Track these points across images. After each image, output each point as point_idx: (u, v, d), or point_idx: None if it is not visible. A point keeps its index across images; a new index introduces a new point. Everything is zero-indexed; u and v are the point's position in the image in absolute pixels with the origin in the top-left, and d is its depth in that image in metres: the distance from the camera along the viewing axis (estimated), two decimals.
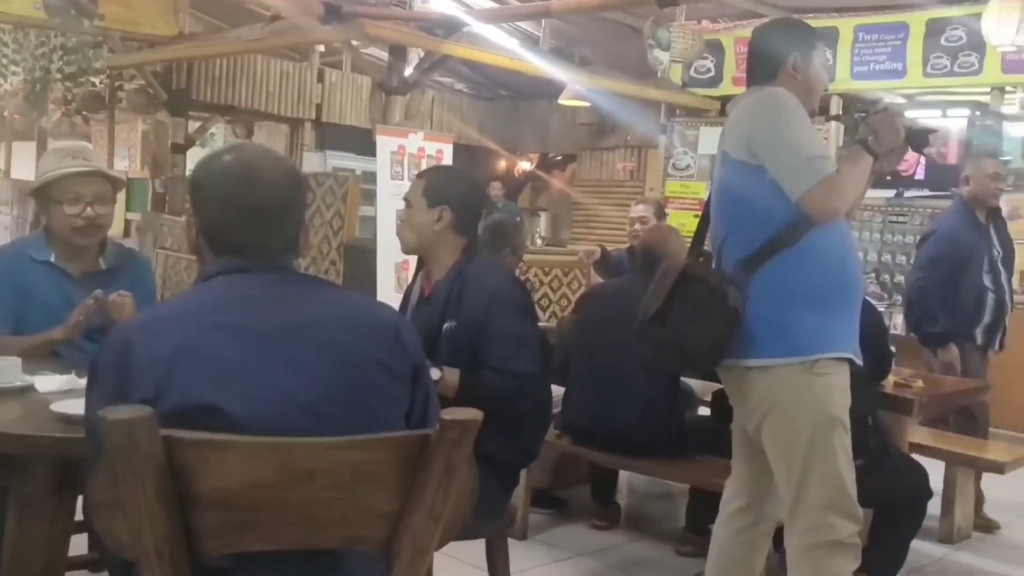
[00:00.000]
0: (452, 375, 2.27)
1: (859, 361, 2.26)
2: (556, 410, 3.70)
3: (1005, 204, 6.10)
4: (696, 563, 2.69)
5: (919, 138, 2.26)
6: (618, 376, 3.36)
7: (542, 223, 10.76)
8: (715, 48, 7.62)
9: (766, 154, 2.19)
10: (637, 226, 4.47)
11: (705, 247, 2.42)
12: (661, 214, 4.76)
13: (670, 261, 2.40)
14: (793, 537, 2.25)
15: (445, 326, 2.36)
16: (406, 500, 1.37)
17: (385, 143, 5.87)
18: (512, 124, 10.04)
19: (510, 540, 3.48)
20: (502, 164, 10.74)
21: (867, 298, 3.08)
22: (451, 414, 1.35)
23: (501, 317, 2.32)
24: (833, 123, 6.75)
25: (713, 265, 2.35)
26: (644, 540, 3.79)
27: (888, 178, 6.13)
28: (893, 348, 3.28)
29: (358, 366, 1.46)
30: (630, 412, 3.34)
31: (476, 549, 2.47)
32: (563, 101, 7.80)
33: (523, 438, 2.45)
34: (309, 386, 1.41)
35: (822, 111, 6.64)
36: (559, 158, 10.81)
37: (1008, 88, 6.31)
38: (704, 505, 3.27)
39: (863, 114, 2.26)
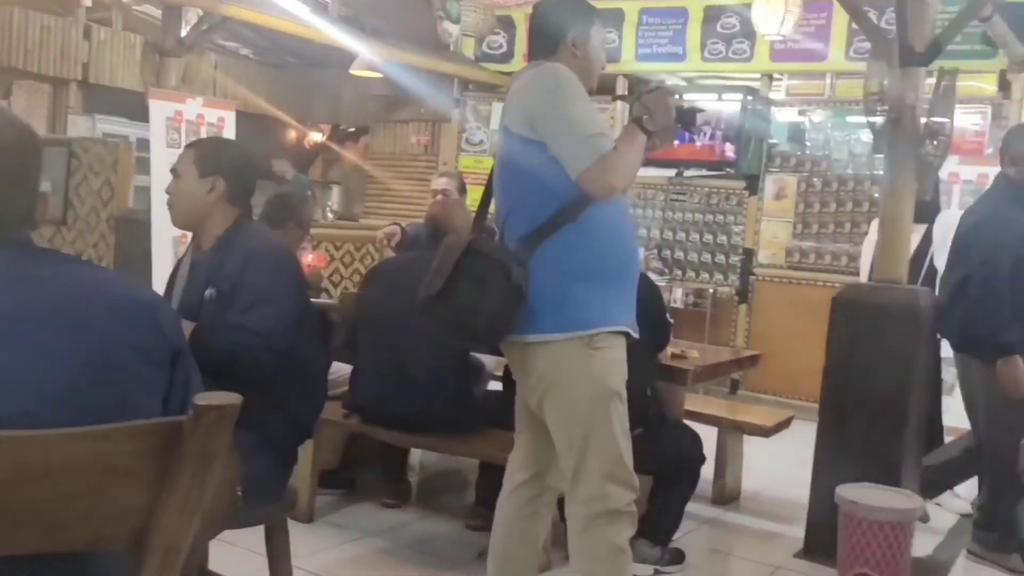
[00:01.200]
0: (187, 327, 2.14)
1: (636, 334, 2.31)
2: (344, 389, 3.61)
3: (772, 184, 6.57)
4: (486, 537, 2.71)
5: (687, 117, 2.35)
6: (407, 353, 3.30)
7: (334, 196, 10.49)
8: (506, 24, 7.68)
9: (547, 130, 2.19)
10: (439, 198, 4.42)
11: (489, 222, 2.40)
12: (463, 188, 4.72)
13: (453, 237, 2.36)
14: (574, 507, 2.29)
15: (206, 293, 2.26)
16: (158, 493, 1.25)
17: (159, 108, 5.48)
18: (302, 93, 9.69)
19: (296, 524, 3.39)
20: (291, 135, 10.37)
21: (645, 272, 3.19)
22: (206, 399, 1.23)
23: (252, 276, 2.24)
24: (619, 103, 6.98)
25: (497, 240, 2.33)
26: (435, 516, 3.78)
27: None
28: (672, 320, 3.42)
29: (109, 351, 1.32)
30: (420, 389, 3.29)
31: (256, 535, 2.36)
32: (355, 71, 7.60)
33: (295, 413, 2.36)
34: (55, 375, 1.25)
35: (607, 91, 6.88)
36: (352, 130, 10.56)
37: (776, 75, 6.74)
38: (494, 479, 3.27)
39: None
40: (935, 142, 3.63)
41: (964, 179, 5.56)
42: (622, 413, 2.26)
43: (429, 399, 3.29)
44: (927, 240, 4.41)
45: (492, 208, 2.43)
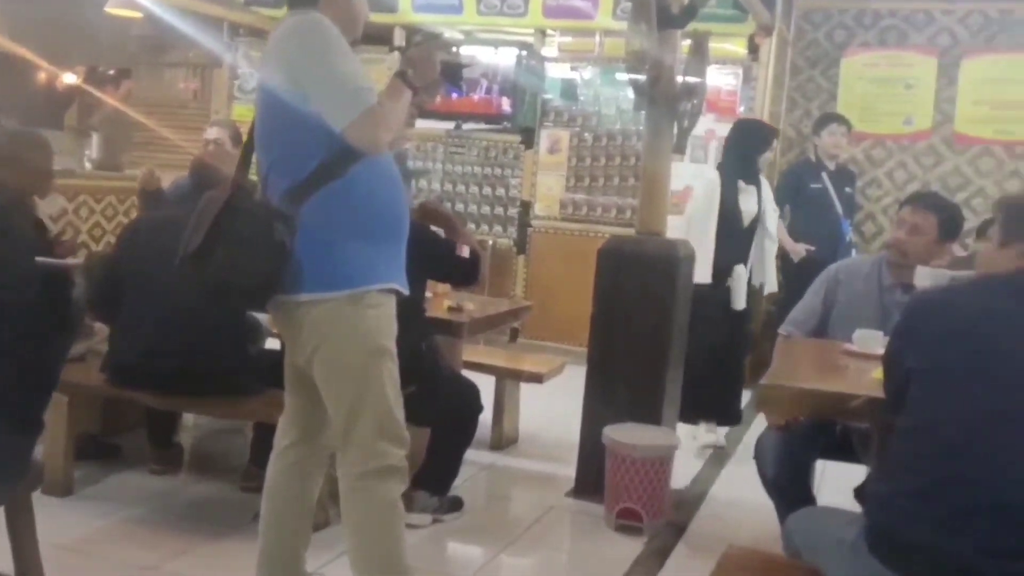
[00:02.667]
0: None
1: (406, 292, 2.32)
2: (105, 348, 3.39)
3: (547, 138, 6.75)
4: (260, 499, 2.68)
5: (453, 72, 2.36)
6: (173, 311, 3.11)
7: (93, 145, 9.71)
8: None
9: (308, 83, 2.13)
10: (212, 148, 4.19)
11: (252, 176, 2.31)
12: (238, 137, 4.48)
13: (213, 192, 2.25)
14: (345, 466, 2.28)
15: None
16: None
17: None
18: (53, 31, 8.85)
19: (49, 499, 3.18)
20: (41, 76, 9.47)
21: (420, 223, 3.19)
22: None
23: None
24: (397, 54, 6.89)
25: (259, 196, 2.25)
26: (208, 480, 3.66)
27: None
28: (478, 252, 3.39)
29: None
30: (188, 348, 3.14)
31: None
32: (111, 10, 7.04)
33: (26, 372, 2.17)
34: None
35: (384, 41, 6.77)
36: (111, 72, 9.78)
37: (549, 32, 6.88)
38: (269, 439, 3.21)
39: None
40: (692, 101, 3.85)
41: (719, 136, 5.94)
42: (392, 370, 2.27)
43: (197, 359, 3.14)
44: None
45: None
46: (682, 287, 3.78)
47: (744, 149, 4.63)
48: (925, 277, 2.68)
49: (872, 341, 2.71)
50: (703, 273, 4.46)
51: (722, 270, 4.54)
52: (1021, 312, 1.86)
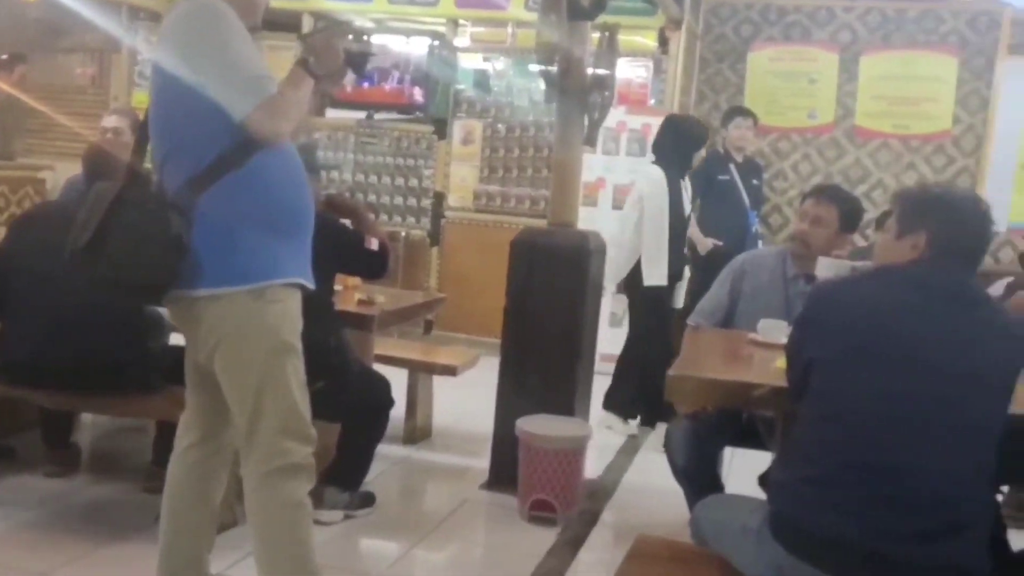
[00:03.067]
0: None
1: (311, 286, 2.26)
2: None
3: (460, 128, 6.71)
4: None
5: (357, 60, 2.30)
6: (67, 307, 2.98)
7: None
8: None
9: (204, 71, 2.05)
10: (109, 137, 4.02)
11: (147, 165, 2.22)
12: (137, 126, 4.32)
13: (105, 183, 2.15)
14: (249, 465, 2.22)
15: None
16: None
17: None
18: None
19: None
20: None
21: (327, 215, 3.13)
22: None
23: None
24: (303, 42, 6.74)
25: (154, 187, 2.16)
26: (108, 482, 3.52)
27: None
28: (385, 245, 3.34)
29: None
30: (81, 345, 2.99)
31: None
32: None
33: None
34: None
35: (293, 28, 6.63)
36: (4, 57, 9.35)
37: (461, 21, 6.83)
38: (171, 437, 3.10)
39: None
40: (603, 93, 3.86)
41: (630, 128, 6.01)
42: (297, 367, 2.21)
43: (92, 355, 3.00)
44: None
45: None
46: (593, 278, 3.79)
47: (685, 147, 4.74)
48: (826, 268, 2.74)
49: (776, 331, 2.76)
50: (659, 275, 4.53)
51: (676, 272, 4.65)
52: (917, 302, 1.91)
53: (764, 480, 3.14)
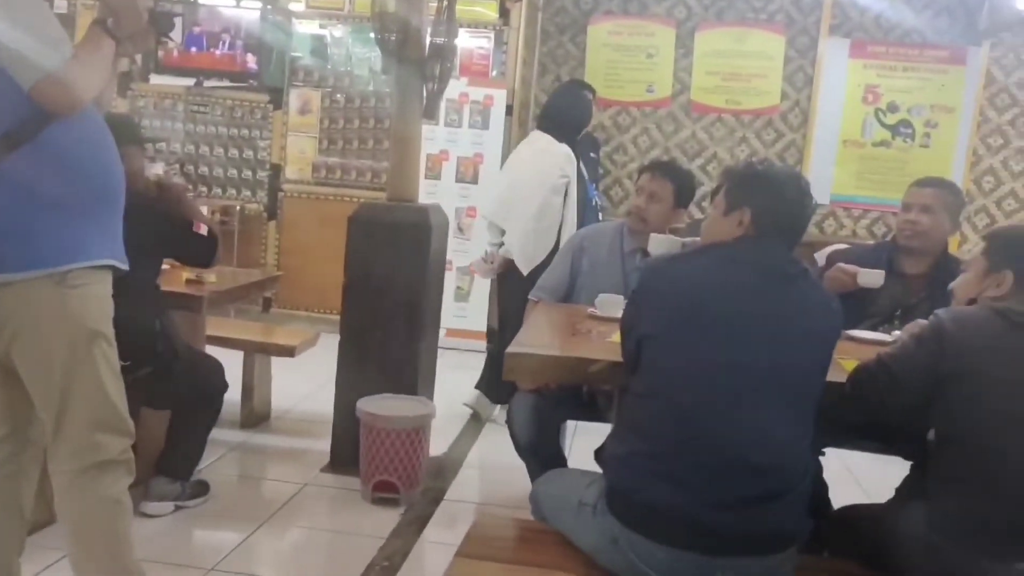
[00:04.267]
0: None
1: (124, 267, 2.09)
2: None
3: (296, 98, 6.45)
4: None
5: (163, 21, 2.13)
6: None
7: None
8: None
9: None
10: None
11: None
12: None
13: None
14: (58, 463, 2.05)
15: None
16: None
17: None
18: None
19: None
20: None
21: (153, 200, 2.95)
22: None
23: None
24: None
25: None
26: None
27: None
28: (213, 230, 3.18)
29: None
30: None
31: None
32: None
33: None
34: None
35: None
36: None
37: None
38: None
39: None
40: (443, 64, 3.78)
41: (473, 100, 5.95)
42: (109, 355, 2.05)
43: None
44: None
45: None
46: (435, 254, 3.73)
47: (581, 125, 4.53)
48: (658, 244, 2.78)
49: (613, 306, 2.78)
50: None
51: None
52: (739, 278, 1.96)
53: (600, 454, 3.19)
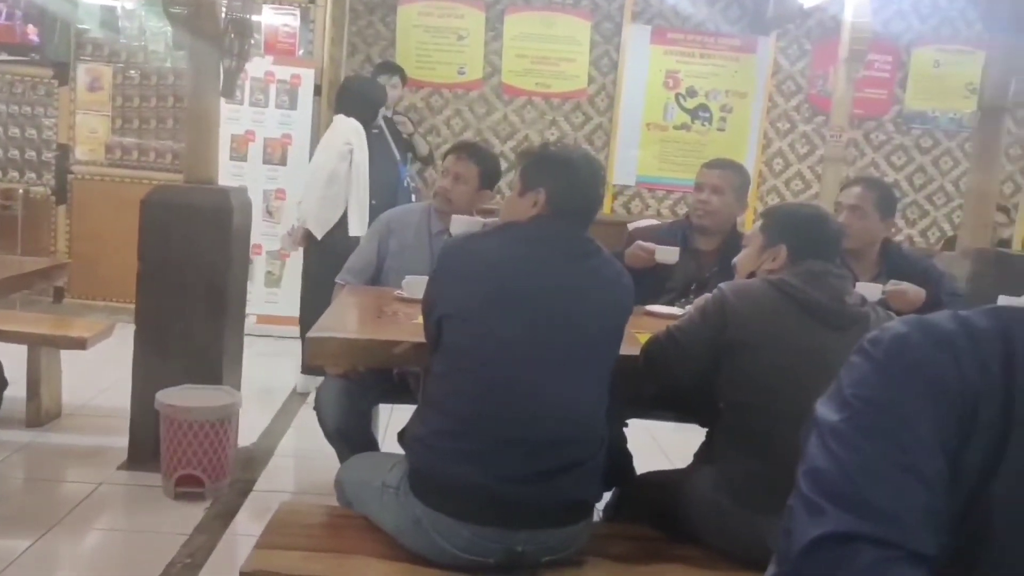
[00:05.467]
0: None
1: None
2: None
3: (85, 73, 6.03)
4: None
5: None
6: None
7: None
8: None
9: None
10: None
11: None
12: None
13: None
14: None
15: None
16: None
17: None
18: None
19: None
20: None
21: None
22: None
23: None
24: None
25: None
26: None
27: None
28: None
29: None
30: None
31: None
32: None
33: None
34: None
35: None
36: None
37: None
38: None
39: None
40: (243, 39, 3.63)
41: (279, 79, 5.76)
42: None
43: None
44: None
45: None
46: (237, 237, 3.59)
47: (372, 103, 4.80)
48: (460, 225, 2.79)
49: (420, 287, 2.75)
50: (362, 226, 4.44)
51: None
52: (535, 256, 1.99)
53: (403, 436, 3.18)
